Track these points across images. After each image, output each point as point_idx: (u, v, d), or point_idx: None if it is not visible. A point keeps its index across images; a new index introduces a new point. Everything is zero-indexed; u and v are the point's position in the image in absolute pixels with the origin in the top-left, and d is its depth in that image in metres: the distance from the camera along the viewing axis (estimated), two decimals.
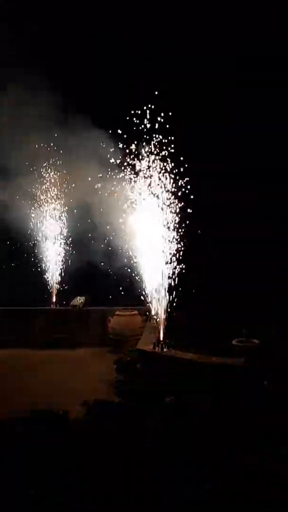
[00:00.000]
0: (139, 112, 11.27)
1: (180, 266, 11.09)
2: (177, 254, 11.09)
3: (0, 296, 15.50)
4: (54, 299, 15.84)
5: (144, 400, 9.01)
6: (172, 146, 11.16)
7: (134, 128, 11.33)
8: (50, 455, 6.20)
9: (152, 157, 11.25)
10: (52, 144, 14.82)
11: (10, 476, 5.44)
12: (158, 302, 10.94)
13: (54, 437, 6.62)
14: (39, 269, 15.87)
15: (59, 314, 15.36)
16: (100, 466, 5.78)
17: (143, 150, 11.28)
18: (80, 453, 6.26)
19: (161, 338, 10.68)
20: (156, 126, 11.14)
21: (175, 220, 11.28)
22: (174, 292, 10.88)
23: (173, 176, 11.33)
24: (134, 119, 11.26)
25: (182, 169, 11.32)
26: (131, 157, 11.49)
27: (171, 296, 10.90)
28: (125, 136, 11.58)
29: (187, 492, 5.27)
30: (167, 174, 11.31)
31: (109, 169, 12.50)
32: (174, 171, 11.34)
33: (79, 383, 10.90)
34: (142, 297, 11.68)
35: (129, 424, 7.30)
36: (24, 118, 13.43)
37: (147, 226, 11.27)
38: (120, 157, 11.79)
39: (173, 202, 11.29)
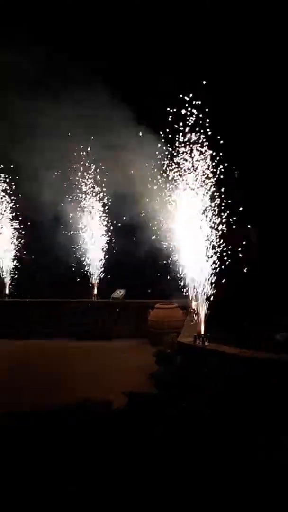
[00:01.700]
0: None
1: (224, 259, 10.86)
2: (221, 247, 10.86)
3: (42, 287, 15.94)
4: (95, 292, 16.04)
5: (184, 393, 8.97)
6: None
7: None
8: (95, 445, 6.29)
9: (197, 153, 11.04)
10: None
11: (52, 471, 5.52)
12: (199, 295, 10.82)
13: (98, 427, 6.71)
14: (83, 260, 16.06)
15: (100, 306, 15.55)
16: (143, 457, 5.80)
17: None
18: (123, 443, 6.31)
19: (202, 332, 10.56)
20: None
21: (220, 211, 11.00)
22: (216, 286, 10.70)
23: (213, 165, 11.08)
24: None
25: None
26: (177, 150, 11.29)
27: (212, 290, 10.73)
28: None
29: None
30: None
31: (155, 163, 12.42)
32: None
33: (119, 374, 11.01)
34: (182, 290, 11.59)
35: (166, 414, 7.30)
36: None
37: (190, 216, 11.06)
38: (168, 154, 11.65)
39: (218, 193, 11.02)
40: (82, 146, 15.35)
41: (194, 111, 10.97)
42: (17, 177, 15.93)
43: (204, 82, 11.13)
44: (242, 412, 7.10)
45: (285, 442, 5.74)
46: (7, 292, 16.39)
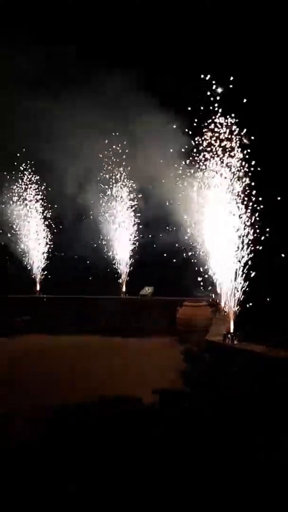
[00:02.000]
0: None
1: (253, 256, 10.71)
2: (253, 242, 10.67)
3: (72, 284, 16.22)
4: (124, 289, 16.20)
5: (213, 391, 8.97)
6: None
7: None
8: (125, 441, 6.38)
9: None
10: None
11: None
12: (229, 293, 10.74)
13: (129, 424, 6.82)
14: (111, 256, 16.22)
15: (128, 303, 15.70)
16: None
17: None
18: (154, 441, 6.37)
19: (232, 330, 10.51)
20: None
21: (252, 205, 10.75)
22: (247, 283, 10.58)
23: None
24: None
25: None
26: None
27: (243, 287, 10.62)
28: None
29: None
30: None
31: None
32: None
33: (147, 371, 11.09)
34: (212, 288, 11.54)
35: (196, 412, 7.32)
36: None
37: (219, 210, 10.87)
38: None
39: (249, 184, 10.80)
40: (107, 142, 15.38)
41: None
42: (43, 175, 16.22)
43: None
44: (265, 412, 7.04)
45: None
46: (38, 288, 16.78)
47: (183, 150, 12.25)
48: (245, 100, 10.74)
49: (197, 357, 11.18)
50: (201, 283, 12.08)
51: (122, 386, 9.47)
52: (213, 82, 10.95)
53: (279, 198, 11.27)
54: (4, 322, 14.65)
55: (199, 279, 11.97)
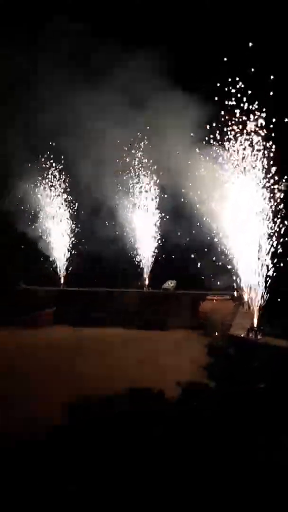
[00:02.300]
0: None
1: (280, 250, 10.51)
2: (279, 237, 10.48)
3: (95, 277, 16.38)
4: (147, 282, 16.28)
5: (236, 385, 8.98)
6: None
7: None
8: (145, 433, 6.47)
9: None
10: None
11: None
12: (253, 288, 10.66)
13: (150, 415, 6.91)
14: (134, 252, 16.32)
15: (151, 296, 15.79)
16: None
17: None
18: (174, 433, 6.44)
19: (255, 325, 10.46)
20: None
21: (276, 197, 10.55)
22: (272, 278, 10.43)
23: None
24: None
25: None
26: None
27: (267, 282, 10.51)
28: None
29: None
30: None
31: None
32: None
33: (171, 363, 11.14)
34: (235, 283, 11.46)
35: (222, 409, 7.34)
36: None
37: (242, 205, 10.75)
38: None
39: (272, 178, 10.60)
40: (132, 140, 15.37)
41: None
42: (66, 166, 16.29)
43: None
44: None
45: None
46: (62, 281, 17.03)
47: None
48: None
49: (220, 351, 11.18)
50: (225, 277, 11.97)
51: (146, 379, 9.55)
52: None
53: None
54: (31, 314, 14.98)
55: (223, 272, 11.83)
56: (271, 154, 10.65)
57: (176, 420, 5.80)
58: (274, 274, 10.47)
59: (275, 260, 10.44)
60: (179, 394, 7.83)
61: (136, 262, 16.31)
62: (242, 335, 10.32)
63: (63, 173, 16.73)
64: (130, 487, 4.82)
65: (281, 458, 5.36)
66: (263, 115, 10.55)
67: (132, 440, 5.46)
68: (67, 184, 16.81)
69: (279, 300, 10.70)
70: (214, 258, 12.38)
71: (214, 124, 11.31)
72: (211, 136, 11.46)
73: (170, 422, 5.77)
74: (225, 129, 11.02)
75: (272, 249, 10.44)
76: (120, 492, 4.78)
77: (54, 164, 16.64)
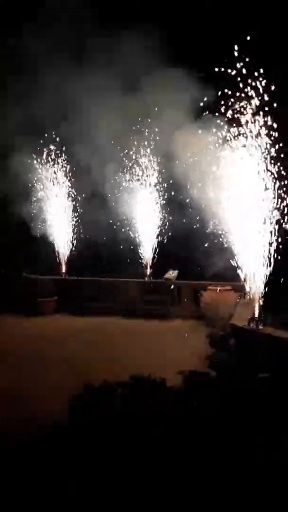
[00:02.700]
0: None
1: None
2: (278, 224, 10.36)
3: (99, 266, 16.39)
4: (148, 272, 16.27)
5: (237, 375, 9.02)
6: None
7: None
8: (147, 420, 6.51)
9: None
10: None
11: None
12: (255, 278, 10.63)
13: (153, 402, 6.95)
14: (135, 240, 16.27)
15: (153, 286, 15.79)
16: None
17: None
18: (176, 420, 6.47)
19: (257, 315, 10.46)
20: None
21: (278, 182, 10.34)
22: (273, 267, 10.36)
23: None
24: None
25: None
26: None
27: (269, 272, 10.45)
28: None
29: None
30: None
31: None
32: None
33: (172, 353, 11.19)
34: (237, 272, 11.43)
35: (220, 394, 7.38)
36: None
37: (243, 189, 10.50)
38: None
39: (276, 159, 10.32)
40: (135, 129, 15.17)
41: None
42: (66, 151, 16.12)
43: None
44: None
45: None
46: (63, 270, 17.03)
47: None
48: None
49: (222, 341, 11.21)
50: (227, 267, 11.91)
51: (147, 368, 9.57)
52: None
53: None
54: (33, 302, 15.01)
55: (224, 262, 11.77)
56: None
57: (176, 420, 5.79)
58: (276, 264, 10.40)
59: (278, 250, 10.36)
60: (180, 383, 7.87)
61: (138, 251, 16.30)
62: (243, 325, 10.32)
63: (63, 159, 16.55)
64: (130, 487, 4.82)
65: (281, 458, 5.35)
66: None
67: (131, 440, 5.47)
68: (66, 171, 16.69)
69: (280, 291, 10.67)
70: (214, 248, 12.31)
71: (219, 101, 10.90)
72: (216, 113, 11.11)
73: (170, 422, 5.75)
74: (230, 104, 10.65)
75: (275, 238, 10.35)
76: (120, 492, 4.78)
77: (53, 149, 16.47)
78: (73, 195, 16.84)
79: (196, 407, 6.04)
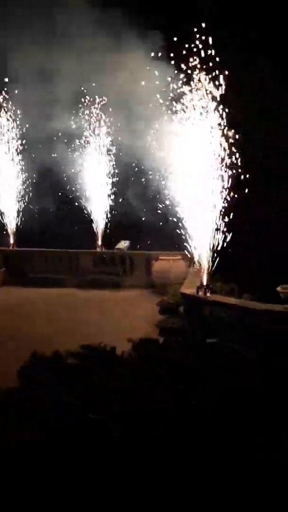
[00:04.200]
0: None
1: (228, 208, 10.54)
2: (227, 193, 10.49)
3: (49, 238, 16.06)
4: (100, 242, 16.17)
5: (185, 340, 9.31)
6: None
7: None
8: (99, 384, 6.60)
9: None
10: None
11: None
12: (203, 246, 10.81)
13: (103, 368, 7.05)
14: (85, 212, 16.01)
15: (105, 256, 15.76)
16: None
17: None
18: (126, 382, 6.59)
19: (205, 283, 10.72)
20: None
21: (228, 149, 10.22)
22: (221, 236, 10.56)
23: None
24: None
25: None
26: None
27: (216, 240, 10.65)
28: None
29: None
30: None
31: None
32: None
33: (124, 322, 11.33)
34: (186, 242, 11.56)
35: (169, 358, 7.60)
36: None
37: (192, 155, 10.34)
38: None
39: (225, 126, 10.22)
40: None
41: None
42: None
43: None
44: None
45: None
46: (11, 241, 16.48)
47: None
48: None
49: (172, 308, 11.48)
50: (176, 236, 12.00)
51: (101, 336, 9.62)
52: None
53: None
54: None
55: (174, 231, 11.82)
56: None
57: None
58: (224, 233, 10.62)
59: (225, 219, 10.56)
60: (129, 349, 8.02)
61: (90, 222, 16.09)
62: (192, 293, 10.58)
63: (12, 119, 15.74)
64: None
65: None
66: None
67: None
68: (16, 135, 15.94)
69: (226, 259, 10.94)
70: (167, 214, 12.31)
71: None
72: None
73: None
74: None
75: (222, 208, 10.51)
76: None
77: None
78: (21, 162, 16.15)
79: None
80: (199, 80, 10.17)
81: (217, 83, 10.09)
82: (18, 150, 15.94)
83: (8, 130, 15.76)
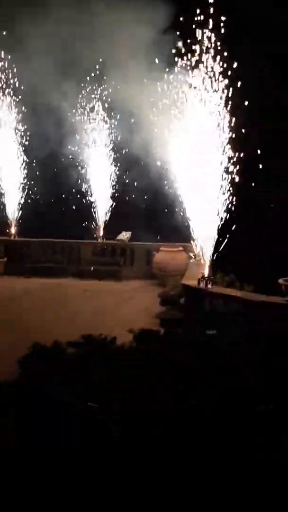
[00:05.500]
0: None
1: (230, 199, 10.47)
2: (229, 186, 10.40)
3: (50, 228, 16.00)
4: (101, 233, 16.11)
5: (186, 331, 9.30)
6: None
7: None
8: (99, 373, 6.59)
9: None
10: None
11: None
12: (205, 238, 10.78)
13: (103, 358, 7.04)
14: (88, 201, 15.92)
15: (106, 247, 15.71)
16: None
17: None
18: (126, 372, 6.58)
19: (206, 275, 10.70)
20: None
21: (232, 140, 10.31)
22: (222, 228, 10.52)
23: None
24: None
25: None
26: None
27: (219, 232, 10.62)
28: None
29: None
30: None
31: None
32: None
33: (125, 313, 11.34)
34: (189, 234, 11.55)
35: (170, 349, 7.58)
36: None
37: (196, 147, 10.38)
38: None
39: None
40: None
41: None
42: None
43: None
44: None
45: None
46: (13, 231, 16.43)
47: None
48: None
49: (173, 300, 11.46)
50: (179, 228, 11.98)
51: (101, 327, 9.61)
52: None
53: None
54: None
55: (176, 223, 11.82)
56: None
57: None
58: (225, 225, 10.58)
59: (228, 211, 10.51)
60: (130, 340, 8.00)
61: (91, 213, 16.01)
62: (193, 285, 10.55)
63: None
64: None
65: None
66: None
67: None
68: (17, 121, 15.78)
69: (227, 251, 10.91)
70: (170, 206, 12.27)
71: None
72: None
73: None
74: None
75: (225, 199, 10.46)
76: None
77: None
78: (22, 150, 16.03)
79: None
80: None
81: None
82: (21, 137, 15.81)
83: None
